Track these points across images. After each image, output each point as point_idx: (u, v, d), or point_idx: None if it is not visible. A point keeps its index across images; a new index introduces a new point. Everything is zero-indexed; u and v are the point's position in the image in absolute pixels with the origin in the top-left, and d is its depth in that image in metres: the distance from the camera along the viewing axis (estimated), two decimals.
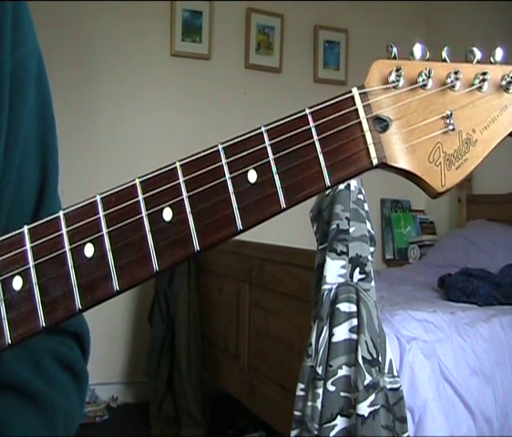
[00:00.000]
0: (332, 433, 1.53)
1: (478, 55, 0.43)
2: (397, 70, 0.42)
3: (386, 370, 1.56)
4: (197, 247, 0.39)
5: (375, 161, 0.41)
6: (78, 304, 0.38)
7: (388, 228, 3.79)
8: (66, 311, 0.39)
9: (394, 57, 0.43)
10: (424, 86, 0.42)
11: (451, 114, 0.42)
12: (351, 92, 0.42)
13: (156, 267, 0.39)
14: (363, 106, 0.41)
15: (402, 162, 0.41)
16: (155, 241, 0.39)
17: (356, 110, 0.41)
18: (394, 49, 0.43)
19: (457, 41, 3.52)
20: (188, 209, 0.39)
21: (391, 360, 1.58)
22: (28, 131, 0.56)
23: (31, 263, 0.39)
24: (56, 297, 0.39)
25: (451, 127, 0.42)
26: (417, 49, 0.44)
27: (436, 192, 0.42)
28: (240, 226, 0.39)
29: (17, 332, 0.38)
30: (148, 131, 3.15)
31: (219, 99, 3.32)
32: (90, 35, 3.05)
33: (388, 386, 1.56)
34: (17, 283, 0.39)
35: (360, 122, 0.41)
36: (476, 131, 0.42)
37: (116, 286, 0.39)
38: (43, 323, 0.38)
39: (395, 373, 1.58)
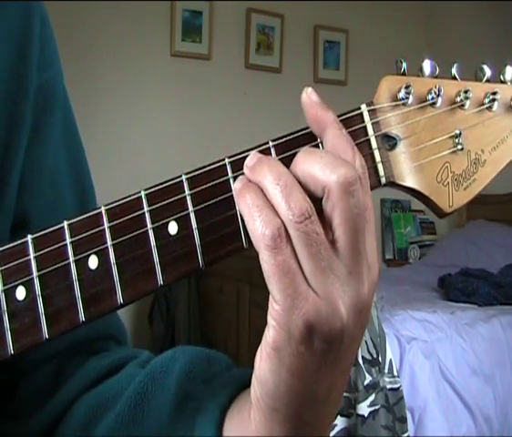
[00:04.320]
0: (333, 433, 1.54)
1: (488, 72, 0.43)
2: (407, 87, 0.41)
3: (386, 370, 1.56)
4: (202, 262, 0.39)
5: (383, 180, 0.41)
6: (82, 316, 0.38)
7: (388, 228, 3.79)
8: (70, 323, 0.38)
9: (404, 73, 0.43)
10: (434, 104, 0.42)
11: (460, 133, 0.42)
12: (359, 109, 0.42)
13: (160, 281, 0.38)
14: (372, 124, 0.41)
15: (410, 181, 0.41)
16: (160, 255, 0.38)
17: (365, 127, 0.41)
18: (404, 65, 0.43)
19: (458, 41, 3.52)
20: (194, 224, 0.39)
21: (391, 360, 1.58)
22: (57, 155, 0.57)
23: (35, 273, 0.38)
24: (59, 308, 0.38)
25: (460, 147, 0.41)
26: (426, 65, 0.43)
27: (444, 212, 0.42)
28: (244, 243, 0.39)
29: (20, 343, 0.38)
30: (147, 131, 3.15)
31: (219, 99, 3.32)
32: (90, 35, 3.05)
33: (388, 386, 1.56)
34: (21, 293, 0.38)
35: (368, 140, 0.41)
36: (485, 151, 0.42)
37: (120, 299, 0.38)
38: (46, 335, 0.38)
39: (395, 373, 1.58)
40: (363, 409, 1.50)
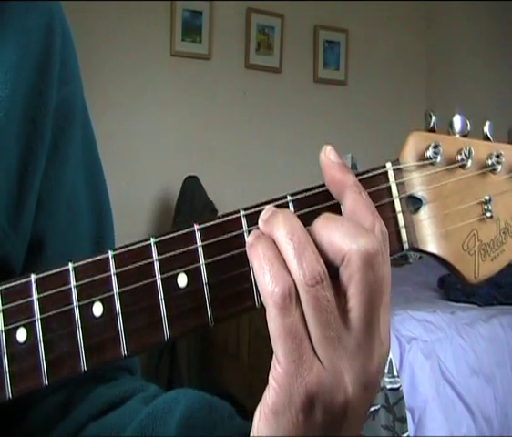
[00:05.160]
0: None
1: None
2: (435, 147, 0.38)
3: (386, 370, 1.56)
4: (211, 319, 0.37)
5: (406, 246, 0.38)
6: (84, 365, 0.37)
7: None
8: (71, 371, 0.37)
9: (433, 129, 0.40)
10: (463, 165, 0.39)
11: (490, 199, 0.39)
12: (385, 167, 0.39)
13: (167, 335, 0.36)
14: (397, 184, 0.39)
15: (434, 248, 0.39)
16: (167, 308, 0.36)
17: (389, 188, 0.39)
18: (434, 119, 0.40)
19: (457, 41, 3.52)
20: (204, 278, 0.37)
21: (391, 360, 1.58)
22: (75, 174, 0.56)
23: (37, 316, 0.37)
24: (61, 355, 0.37)
25: (489, 214, 0.39)
26: (457, 122, 0.40)
27: (469, 283, 0.39)
28: (257, 303, 0.37)
29: (19, 387, 0.37)
30: (147, 131, 3.15)
31: (219, 99, 3.32)
32: (90, 35, 3.05)
33: (388, 386, 1.56)
34: (21, 335, 0.37)
35: (392, 202, 0.38)
36: None
37: (124, 351, 0.36)
38: (46, 381, 0.37)
39: (395, 373, 1.58)
40: None
